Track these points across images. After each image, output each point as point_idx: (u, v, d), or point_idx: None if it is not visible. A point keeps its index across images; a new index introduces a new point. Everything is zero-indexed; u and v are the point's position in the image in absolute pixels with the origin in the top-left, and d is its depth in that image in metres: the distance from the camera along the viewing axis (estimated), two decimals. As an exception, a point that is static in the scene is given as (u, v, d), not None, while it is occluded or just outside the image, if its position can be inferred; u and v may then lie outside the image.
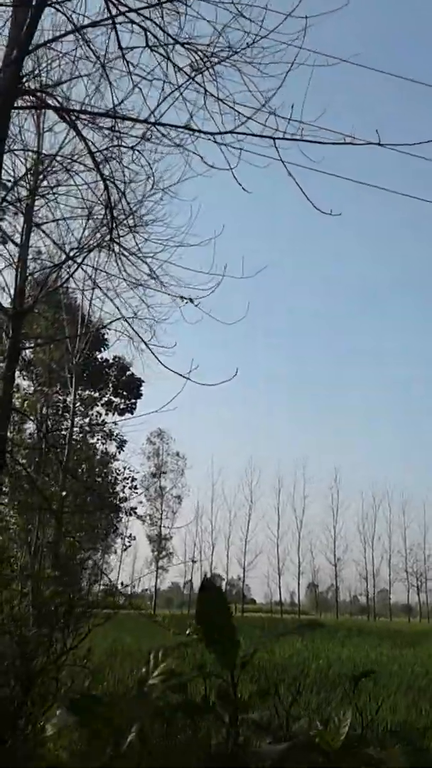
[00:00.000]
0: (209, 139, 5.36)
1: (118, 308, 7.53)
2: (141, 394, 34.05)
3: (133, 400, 34.23)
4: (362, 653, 19.89)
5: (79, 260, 8.06)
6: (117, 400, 33.84)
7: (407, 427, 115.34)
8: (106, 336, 23.64)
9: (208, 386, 5.69)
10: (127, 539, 34.81)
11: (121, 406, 33.95)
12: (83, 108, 6.45)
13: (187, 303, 6.15)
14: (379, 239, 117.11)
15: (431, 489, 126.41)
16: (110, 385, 33.32)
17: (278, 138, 5.06)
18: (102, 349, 28.87)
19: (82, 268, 8.46)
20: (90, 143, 6.06)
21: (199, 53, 5.55)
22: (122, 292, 7.61)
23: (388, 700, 9.81)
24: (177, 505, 64.32)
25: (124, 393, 33.85)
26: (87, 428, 28.40)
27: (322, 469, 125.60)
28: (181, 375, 5.75)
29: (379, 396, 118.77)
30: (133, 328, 7.32)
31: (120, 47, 5.92)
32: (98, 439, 31.64)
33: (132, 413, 32.82)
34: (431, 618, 79.65)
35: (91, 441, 29.98)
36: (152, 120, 5.63)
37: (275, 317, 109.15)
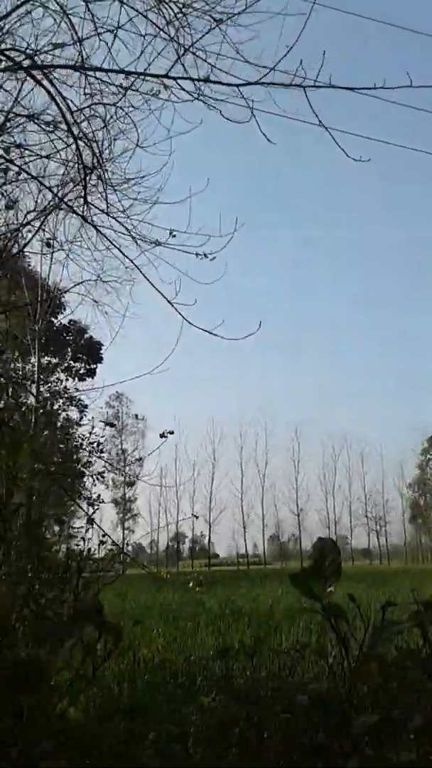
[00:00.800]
0: (231, 93, 5.20)
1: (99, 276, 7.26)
2: (102, 358, 33.74)
3: (94, 365, 33.93)
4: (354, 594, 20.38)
5: (37, 224, 7.71)
6: (77, 365, 33.47)
7: (363, 379, 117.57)
8: (63, 300, 23.07)
9: (233, 340, 5.62)
10: (95, 503, 34.67)
11: (81, 371, 33.66)
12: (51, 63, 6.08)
13: (202, 258, 5.96)
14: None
15: (387, 437, 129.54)
16: (69, 350, 32.83)
17: (308, 86, 4.85)
18: (60, 313, 28.26)
19: (44, 230, 8.12)
20: (66, 102, 5.75)
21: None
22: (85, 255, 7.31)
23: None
24: (139, 468, 64.42)
25: (84, 357, 33.51)
26: (60, 394, 27.85)
27: (283, 423, 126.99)
28: (207, 331, 5.60)
29: (336, 351, 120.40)
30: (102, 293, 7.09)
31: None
32: (59, 406, 31.25)
33: (93, 377, 32.52)
34: (391, 560, 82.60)
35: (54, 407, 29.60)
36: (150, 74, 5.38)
37: (248, 276, 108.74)
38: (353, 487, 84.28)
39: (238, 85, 5.15)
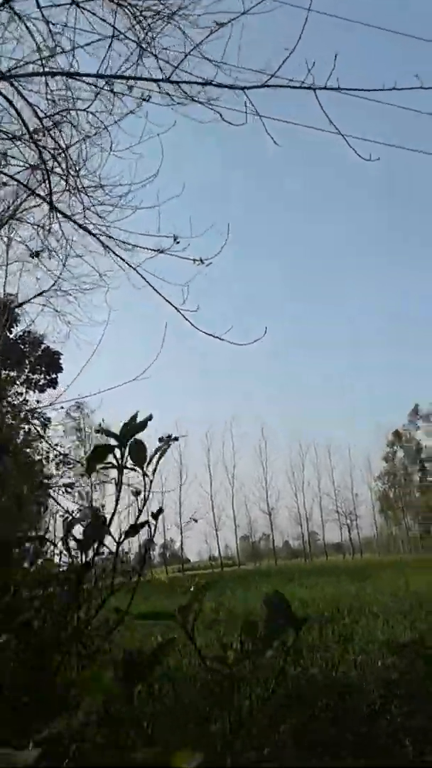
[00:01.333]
0: (235, 94, 5.06)
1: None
2: (62, 368, 33.01)
3: (54, 375, 33.21)
4: (342, 590, 20.25)
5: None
6: (36, 376, 32.68)
7: (329, 377, 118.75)
8: (17, 312, 22.40)
9: (240, 345, 5.57)
10: (61, 516, 33.99)
11: (41, 382, 32.87)
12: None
13: (198, 264, 5.82)
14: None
15: (352, 432, 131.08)
16: (26, 361, 32.05)
17: (318, 88, 4.79)
18: (15, 325, 27.51)
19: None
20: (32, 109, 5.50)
21: None
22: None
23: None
24: (105, 476, 63.64)
25: (43, 368, 32.75)
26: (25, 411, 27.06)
27: (250, 425, 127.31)
28: (216, 337, 5.50)
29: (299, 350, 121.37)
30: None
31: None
32: (21, 420, 30.46)
33: (54, 388, 31.75)
34: (363, 552, 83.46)
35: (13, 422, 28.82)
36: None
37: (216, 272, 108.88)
38: (322, 482, 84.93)
39: (244, 88, 4.99)
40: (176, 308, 5.46)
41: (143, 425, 1.61)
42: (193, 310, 5.47)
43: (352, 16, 5.99)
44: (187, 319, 5.44)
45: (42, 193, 6.22)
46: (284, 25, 5.45)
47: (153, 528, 1.66)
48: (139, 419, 1.66)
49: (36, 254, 6.60)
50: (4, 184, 6.89)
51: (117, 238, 6.01)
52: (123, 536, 1.70)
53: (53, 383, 33.20)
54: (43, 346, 31.27)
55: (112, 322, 6.97)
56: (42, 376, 33.19)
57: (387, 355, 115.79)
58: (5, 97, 5.88)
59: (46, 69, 5.73)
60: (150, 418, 1.62)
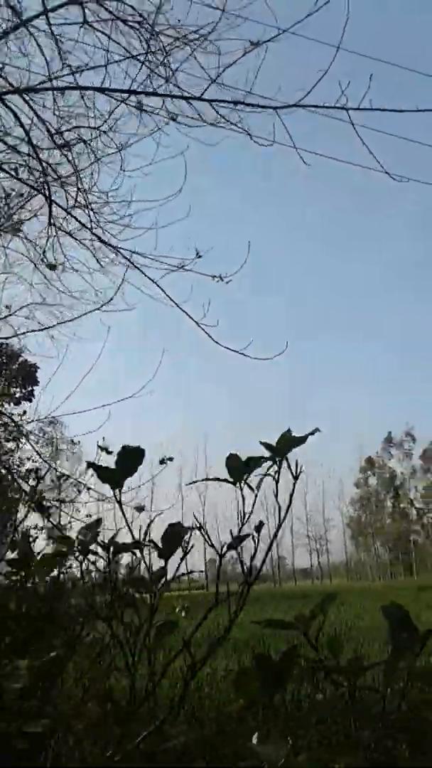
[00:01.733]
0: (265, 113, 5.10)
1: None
2: (38, 381, 32.54)
3: (31, 388, 32.70)
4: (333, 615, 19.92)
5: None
6: (13, 389, 32.19)
7: (297, 402, 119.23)
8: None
9: (260, 360, 5.56)
10: (34, 530, 33.38)
11: (17, 395, 32.35)
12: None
13: (218, 281, 5.74)
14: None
15: (326, 456, 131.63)
16: (2, 374, 31.62)
17: (352, 108, 4.80)
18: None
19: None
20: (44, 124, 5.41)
21: None
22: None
23: None
24: (75, 493, 62.79)
25: (20, 381, 32.28)
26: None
27: (222, 445, 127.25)
28: (237, 351, 5.46)
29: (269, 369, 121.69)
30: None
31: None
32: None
33: (30, 401, 31.18)
34: (332, 578, 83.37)
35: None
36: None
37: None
38: (294, 506, 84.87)
39: (276, 108, 4.97)
40: (197, 323, 5.37)
41: (302, 439, 1.47)
42: (212, 324, 5.37)
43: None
44: (207, 334, 5.41)
45: (55, 204, 6.06)
46: (308, 48, 5.40)
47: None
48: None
49: (53, 266, 6.42)
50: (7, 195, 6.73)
51: (131, 250, 5.87)
52: (226, 548, 1.54)
53: (30, 396, 32.64)
54: (21, 359, 30.91)
55: (99, 339, 6.74)
56: (18, 389, 32.69)
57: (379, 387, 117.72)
58: (14, 113, 5.74)
59: (62, 84, 5.64)
60: (313, 432, 1.47)
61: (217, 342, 5.36)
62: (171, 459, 5.63)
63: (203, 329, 5.32)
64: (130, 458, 1.53)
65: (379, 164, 5.02)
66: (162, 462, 5.54)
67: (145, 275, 5.68)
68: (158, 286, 5.55)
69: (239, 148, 5.40)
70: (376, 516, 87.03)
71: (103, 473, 1.57)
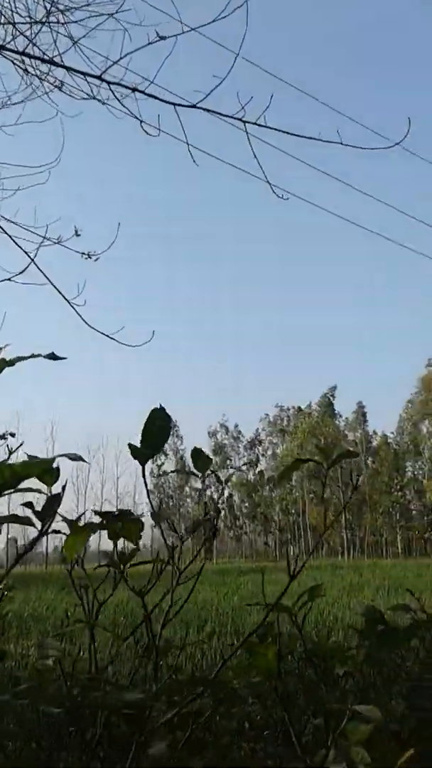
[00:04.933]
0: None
1: None
2: None
3: None
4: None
5: None
6: None
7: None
8: None
9: (132, 347, 5.27)
10: None
11: None
12: None
13: (87, 258, 5.51)
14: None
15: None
16: None
17: (249, 122, 4.92)
18: None
19: None
20: None
21: None
22: None
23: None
24: None
25: None
26: None
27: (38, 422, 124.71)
28: (107, 336, 5.16)
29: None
30: None
31: None
32: None
33: None
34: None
35: None
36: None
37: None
38: (106, 487, 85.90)
39: (174, 104, 4.93)
40: (70, 303, 5.18)
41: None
42: (80, 304, 5.20)
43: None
44: (79, 315, 5.19)
45: None
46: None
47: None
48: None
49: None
50: None
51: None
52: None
53: None
54: None
55: None
56: None
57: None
58: None
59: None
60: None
61: (90, 326, 5.23)
62: (13, 434, 5.39)
63: (76, 310, 5.17)
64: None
65: (266, 178, 5.22)
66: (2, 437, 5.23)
67: (24, 251, 5.48)
68: (31, 259, 5.38)
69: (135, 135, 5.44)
70: (180, 501, 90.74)
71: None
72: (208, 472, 1.86)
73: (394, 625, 1.44)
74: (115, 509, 1.75)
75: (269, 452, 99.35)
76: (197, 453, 1.82)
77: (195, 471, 1.88)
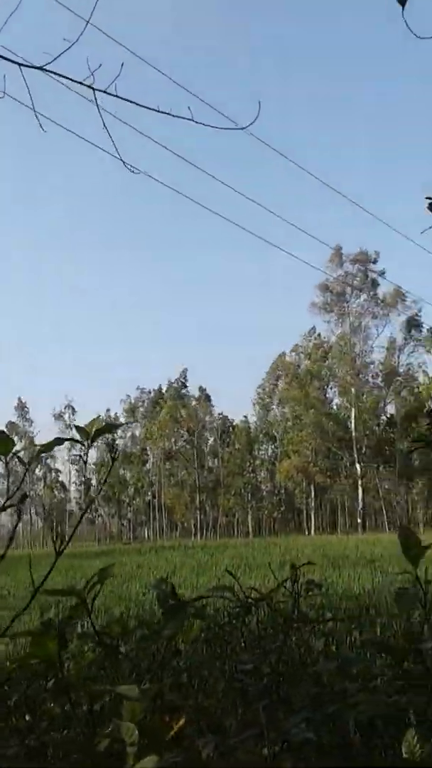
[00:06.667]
0: None
1: None
2: None
3: None
4: None
5: None
6: None
7: None
8: None
9: None
10: None
11: None
12: None
13: None
14: None
15: None
16: None
17: (98, 90, 4.66)
18: None
19: None
20: None
21: None
22: None
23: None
24: None
25: None
26: None
27: None
28: None
29: None
30: None
31: None
32: None
33: None
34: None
35: None
36: None
37: None
38: None
39: (19, 64, 4.54)
40: None
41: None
42: None
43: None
44: None
45: None
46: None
47: None
48: None
49: None
50: None
51: None
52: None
53: None
54: None
55: None
56: None
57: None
58: None
59: None
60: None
61: None
62: None
63: None
64: None
65: (116, 150, 5.11)
66: None
67: None
68: None
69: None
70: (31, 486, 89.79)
71: None
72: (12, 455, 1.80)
73: (185, 600, 1.47)
74: None
75: (128, 434, 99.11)
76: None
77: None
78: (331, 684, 2.16)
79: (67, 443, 1.62)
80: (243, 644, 2.78)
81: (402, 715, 2.13)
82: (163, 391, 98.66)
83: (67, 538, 1.53)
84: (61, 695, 1.29)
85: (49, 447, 1.53)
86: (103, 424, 1.55)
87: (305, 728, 2.04)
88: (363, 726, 2.19)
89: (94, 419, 1.52)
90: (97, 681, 1.33)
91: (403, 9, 2.63)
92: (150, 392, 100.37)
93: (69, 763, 1.24)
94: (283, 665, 2.56)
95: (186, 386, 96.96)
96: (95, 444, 1.57)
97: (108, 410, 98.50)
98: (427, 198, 3.85)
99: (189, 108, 5.30)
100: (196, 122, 5.45)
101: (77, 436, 1.55)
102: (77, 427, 1.50)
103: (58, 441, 1.54)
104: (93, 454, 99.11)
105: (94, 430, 1.45)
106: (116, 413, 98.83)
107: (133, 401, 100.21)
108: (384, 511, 75.11)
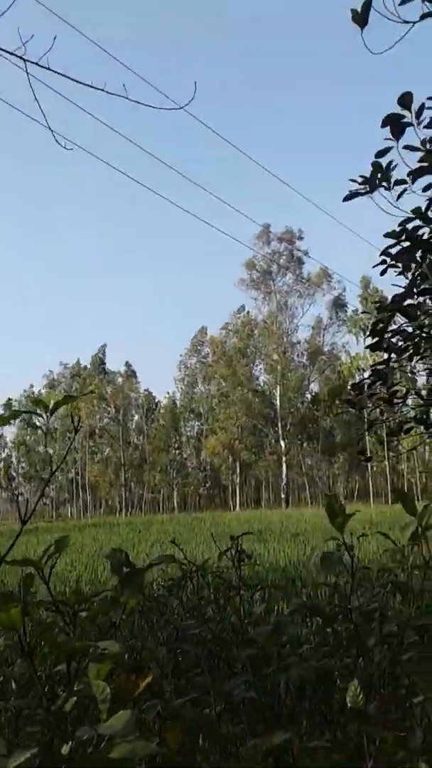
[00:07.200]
0: None
1: None
2: None
3: None
4: None
5: None
6: None
7: None
8: None
9: None
10: None
11: None
12: None
13: None
14: None
15: None
16: None
17: (30, 61, 4.57)
18: None
19: None
20: None
21: None
22: None
23: None
24: None
25: None
26: None
27: None
28: None
29: None
30: None
31: None
32: None
33: None
34: None
35: None
36: None
37: None
38: None
39: None
40: None
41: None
42: None
43: None
44: None
45: None
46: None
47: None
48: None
49: None
50: None
51: None
52: None
53: None
54: None
55: None
56: None
57: None
58: None
59: None
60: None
61: None
62: None
63: None
64: None
65: (47, 125, 5.04)
66: None
67: None
68: None
69: None
70: None
71: None
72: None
73: (139, 567, 1.52)
74: None
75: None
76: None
77: None
78: (265, 648, 2.27)
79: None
80: (183, 611, 2.87)
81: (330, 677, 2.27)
82: (82, 366, 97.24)
83: None
84: (24, 658, 1.32)
85: (4, 420, 1.54)
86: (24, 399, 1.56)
87: (245, 689, 2.14)
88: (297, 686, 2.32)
89: (49, 393, 1.54)
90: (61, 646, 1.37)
91: (362, 31, 2.74)
92: (74, 368, 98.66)
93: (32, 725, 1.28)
94: (222, 631, 2.67)
95: (104, 363, 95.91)
96: (12, 422, 1.57)
97: (31, 386, 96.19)
98: (350, 180, 3.99)
99: (123, 85, 5.27)
100: (130, 100, 5.42)
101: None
102: (35, 400, 1.50)
103: (16, 413, 1.54)
104: (9, 431, 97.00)
105: (53, 402, 1.47)
106: (39, 389, 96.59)
107: (56, 377, 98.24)
108: (307, 486, 77.03)
